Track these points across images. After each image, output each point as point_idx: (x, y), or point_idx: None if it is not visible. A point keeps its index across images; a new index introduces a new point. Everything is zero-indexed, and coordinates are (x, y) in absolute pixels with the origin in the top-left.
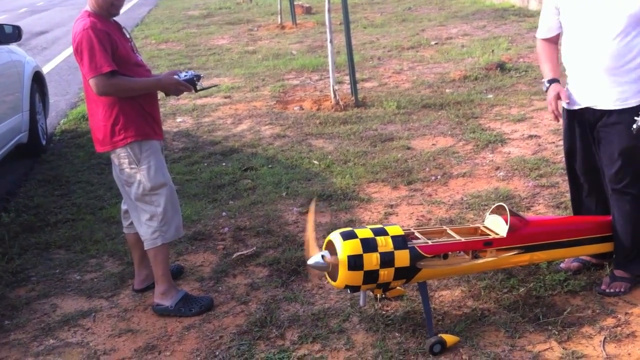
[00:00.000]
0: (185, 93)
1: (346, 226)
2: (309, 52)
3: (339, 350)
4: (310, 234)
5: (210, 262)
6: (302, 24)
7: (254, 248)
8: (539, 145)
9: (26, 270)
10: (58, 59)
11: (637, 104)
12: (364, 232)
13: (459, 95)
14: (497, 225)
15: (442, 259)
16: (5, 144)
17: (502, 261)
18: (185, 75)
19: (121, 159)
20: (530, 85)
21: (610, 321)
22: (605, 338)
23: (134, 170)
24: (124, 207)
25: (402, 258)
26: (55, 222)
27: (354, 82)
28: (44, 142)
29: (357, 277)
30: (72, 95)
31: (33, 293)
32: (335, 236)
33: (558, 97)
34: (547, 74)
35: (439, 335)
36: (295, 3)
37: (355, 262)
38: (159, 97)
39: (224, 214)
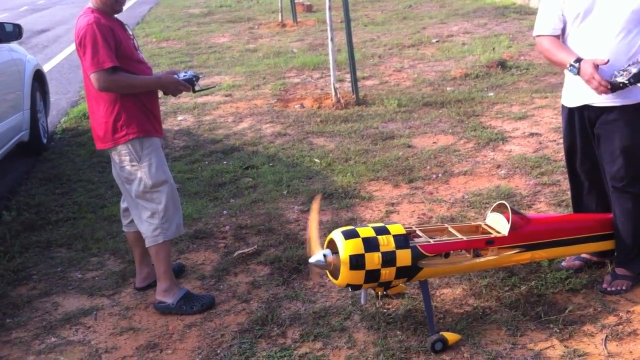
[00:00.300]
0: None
1: (347, 224)
2: (309, 50)
3: (340, 348)
4: (313, 232)
5: (211, 260)
6: (302, 22)
7: (255, 246)
8: (540, 143)
9: (27, 268)
10: (59, 57)
11: (638, 100)
12: (366, 231)
13: (460, 93)
14: (499, 224)
15: (443, 258)
16: (6, 142)
17: (503, 259)
18: (184, 75)
19: (122, 156)
20: (532, 83)
21: (611, 319)
22: (606, 336)
23: (135, 168)
24: (123, 205)
25: (404, 257)
26: (57, 220)
27: (354, 80)
28: (45, 141)
29: (358, 276)
30: (73, 93)
31: (34, 291)
32: (337, 235)
33: (596, 67)
34: (567, 58)
35: (441, 333)
36: (296, 1)
37: (357, 262)
38: (159, 95)
39: (225, 212)
